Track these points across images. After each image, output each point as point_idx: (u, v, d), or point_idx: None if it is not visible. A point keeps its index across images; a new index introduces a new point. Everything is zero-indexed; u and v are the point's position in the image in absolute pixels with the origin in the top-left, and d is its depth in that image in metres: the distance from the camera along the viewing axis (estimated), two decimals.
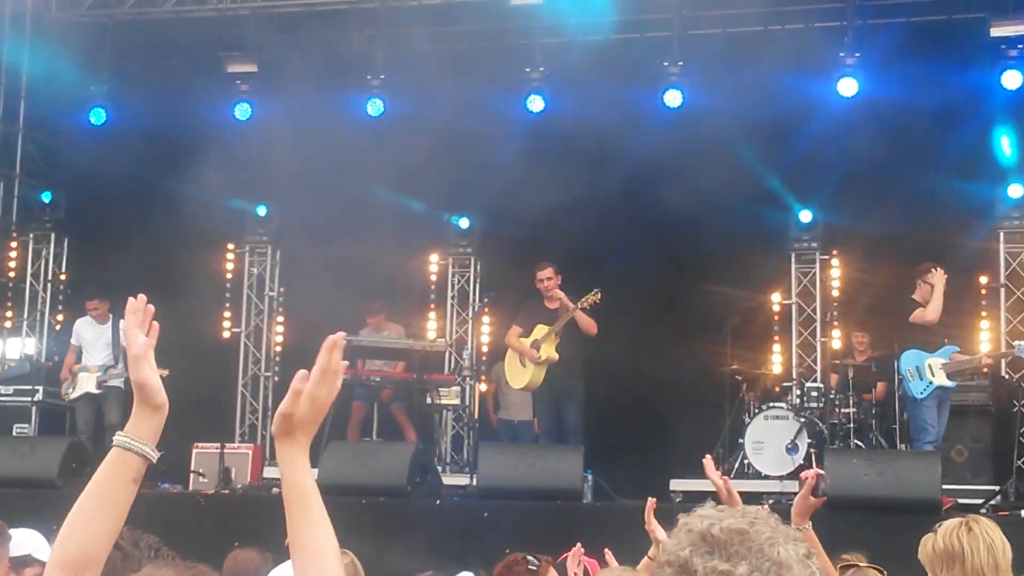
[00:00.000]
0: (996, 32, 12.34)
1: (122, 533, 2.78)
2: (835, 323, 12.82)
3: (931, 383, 11.03)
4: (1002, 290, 13.15)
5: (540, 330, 11.76)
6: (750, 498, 10.01)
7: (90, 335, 13.17)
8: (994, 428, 12.23)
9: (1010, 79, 12.29)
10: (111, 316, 13.12)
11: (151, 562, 2.69)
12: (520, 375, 11.91)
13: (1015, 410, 12.50)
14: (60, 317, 15.27)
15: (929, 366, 11.06)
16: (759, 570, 2.03)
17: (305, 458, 2.59)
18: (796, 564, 2.04)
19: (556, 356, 11.64)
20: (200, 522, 10.28)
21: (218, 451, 12.81)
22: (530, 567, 4.97)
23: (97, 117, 14.21)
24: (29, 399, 13.74)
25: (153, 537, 2.85)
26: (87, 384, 12.89)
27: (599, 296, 11.58)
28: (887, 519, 8.88)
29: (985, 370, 11.28)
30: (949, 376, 10.99)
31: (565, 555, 5.50)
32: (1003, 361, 11.92)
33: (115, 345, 12.93)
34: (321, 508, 2.51)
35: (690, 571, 2.07)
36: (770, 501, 10.06)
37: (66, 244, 15.50)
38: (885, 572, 4.29)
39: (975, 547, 4.13)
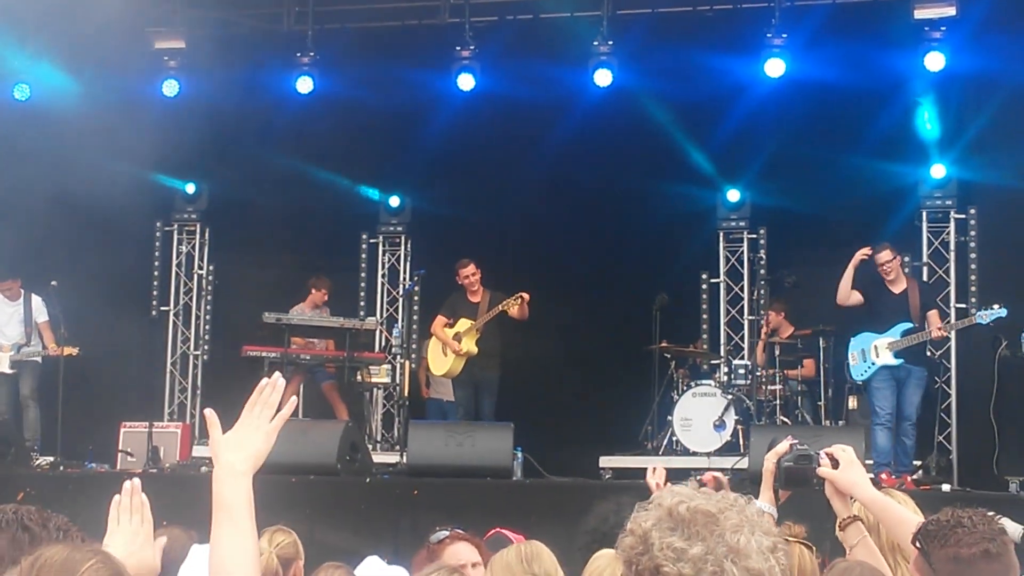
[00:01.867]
0: (920, 14, 12.50)
1: (31, 514, 2.76)
2: (762, 301, 12.97)
3: (873, 364, 11.20)
4: (924, 268, 13.37)
5: (463, 323, 12.48)
6: (679, 474, 10.14)
7: (2, 315, 13.02)
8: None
9: (933, 60, 12.46)
10: (23, 293, 13.00)
11: (54, 543, 2.66)
12: (441, 362, 12.66)
13: (936, 387, 12.76)
14: None
15: (875, 347, 11.23)
16: (713, 553, 2.05)
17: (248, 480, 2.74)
18: (755, 554, 2.07)
19: (476, 350, 12.44)
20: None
21: (146, 430, 12.72)
22: (431, 540, 4.95)
23: (22, 93, 13.97)
24: None
25: (62, 517, 2.82)
26: (1, 364, 12.77)
27: (524, 300, 12.20)
28: (815, 494, 8.99)
29: (938, 336, 11.40)
30: (897, 354, 11.14)
31: (492, 532, 5.52)
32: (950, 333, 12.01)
33: (27, 323, 12.83)
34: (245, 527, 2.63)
35: (647, 544, 2.10)
36: (698, 477, 10.16)
37: None
38: (814, 548, 4.34)
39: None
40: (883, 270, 11.33)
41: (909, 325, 11.20)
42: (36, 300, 12.98)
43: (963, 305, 13.10)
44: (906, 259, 13.34)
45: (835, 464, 3.78)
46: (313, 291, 13.63)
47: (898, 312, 11.27)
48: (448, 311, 12.70)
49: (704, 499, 2.13)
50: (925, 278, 13.25)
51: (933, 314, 11.26)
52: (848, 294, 11.48)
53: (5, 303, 13.04)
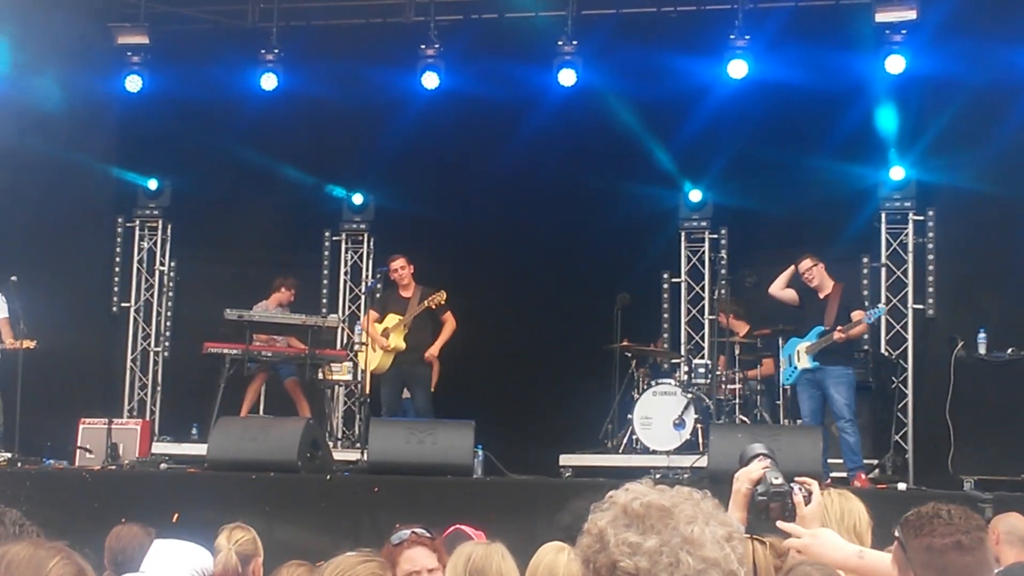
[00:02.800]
0: (880, 17, 12.61)
1: None
2: (722, 301, 13.05)
3: (796, 368, 11.34)
4: (883, 270, 13.49)
5: (391, 319, 12.50)
6: (638, 473, 10.20)
7: None
8: (873, 404, 12.59)
9: (894, 64, 12.58)
10: None
11: (13, 540, 2.65)
12: (373, 358, 12.59)
13: (893, 387, 12.89)
14: None
15: (797, 352, 11.36)
16: (667, 545, 2.08)
17: None
18: (710, 543, 2.09)
19: (403, 345, 12.42)
20: (86, 499, 10.17)
21: (106, 427, 12.66)
22: (391, 541, 4.94)
23: None
24: None
25: (16, 512, 2.80)
26: None
27: (444, 297, 12.39)
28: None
29: (839, 338, 11.53)
30: (813, 357, 11.25)
31: (452, 528, 5.54)
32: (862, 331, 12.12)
33: None
34: None
35: (603, 541, 2.13)
36: (657, 475, 10.23)
37: None
38: (767, 543, 4.37)
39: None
40: (805, 278, 11.48)
41: (822, 328, 11.33)
42: None
43: (920, 306, 13.23)
44: (865, 260, 13.51)
45: (808, 499, 3.72)
46: (281, 289, 13.58)
47: (818, 317, 11.41)
48: (379, 307, 12.78)
49: (658, 494, 2.15)
50: (883, 279, 13.38)
51: (856, 313, 11.36)
52: (780, 287, 11.70)
53: None
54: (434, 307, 12.31)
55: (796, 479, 3.81)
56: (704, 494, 2.17)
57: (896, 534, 3.36)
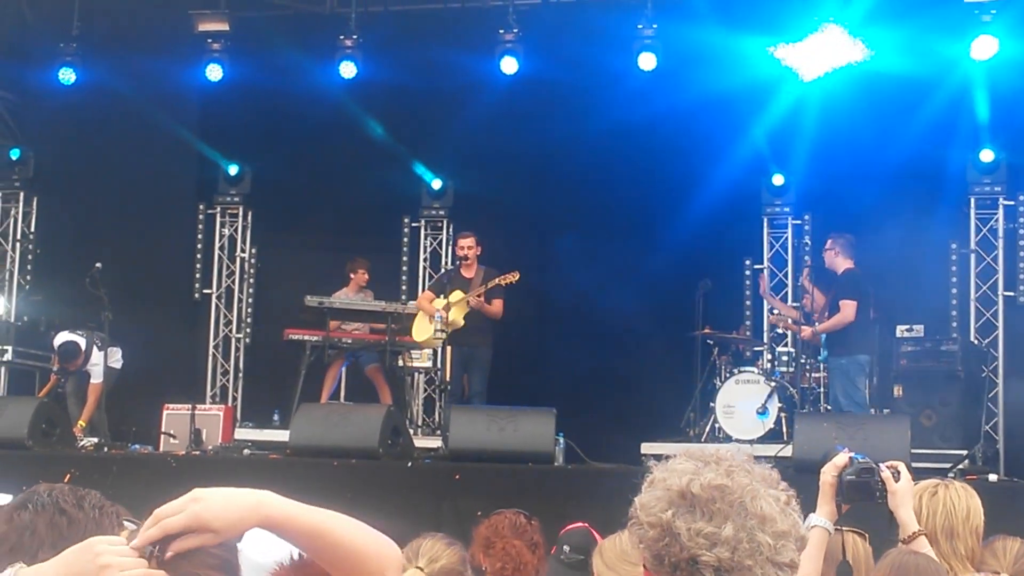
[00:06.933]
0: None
1: (65, 495, 2.69)
2: (816, 291, 12.86)
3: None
4: (972, 256, 13.25)
5: (456, 295, 12.13)
6: None
7: None
8: (963, 393, 12.33)
9: (984, 45, 12.19)
10: None
11: (94, 523, 2.59)
12: (425, 330, 12.28)
13: (983, 375, 12.63)
14: (29, 277, 15.14)
15: None
16: (744, 529, 2.03)
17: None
18: (778, 516, 2.06)
19: (462, 322, 12.06)
20: (172, 484, 10.21)
21: (189, 412, 12.77)
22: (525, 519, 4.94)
23: (66, 76, 14.03)
24: None
25: (96, 494, 2.75)
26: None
27: (516, 277, 11.95)
28: (876, 506, 8.89)
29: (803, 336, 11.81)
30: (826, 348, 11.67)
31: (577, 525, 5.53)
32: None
33: None
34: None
35: (673, 533, 2.05)
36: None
37: (35, 203, 15.34)
38: (867, 536, 4.27)
39: (933, 510, 4.14)
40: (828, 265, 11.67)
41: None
42: None
43: (1011, 293, 12.95)
44: (953, 246, 13.25)
45: (897, 477, 3.74)
46: (357, 273, 13.61)
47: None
48: (436, 288, 12.48)
49: (709, 470, 2.10)
50: (972, 266, 13.14)
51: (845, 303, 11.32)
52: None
53: None
54: (505, 285, 12.04)
55: (883, 463, 3.82)
56: (737, 448, 2.14)
57: None
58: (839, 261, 11.41)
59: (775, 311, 12.93)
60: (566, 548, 5.07)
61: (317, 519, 2.16)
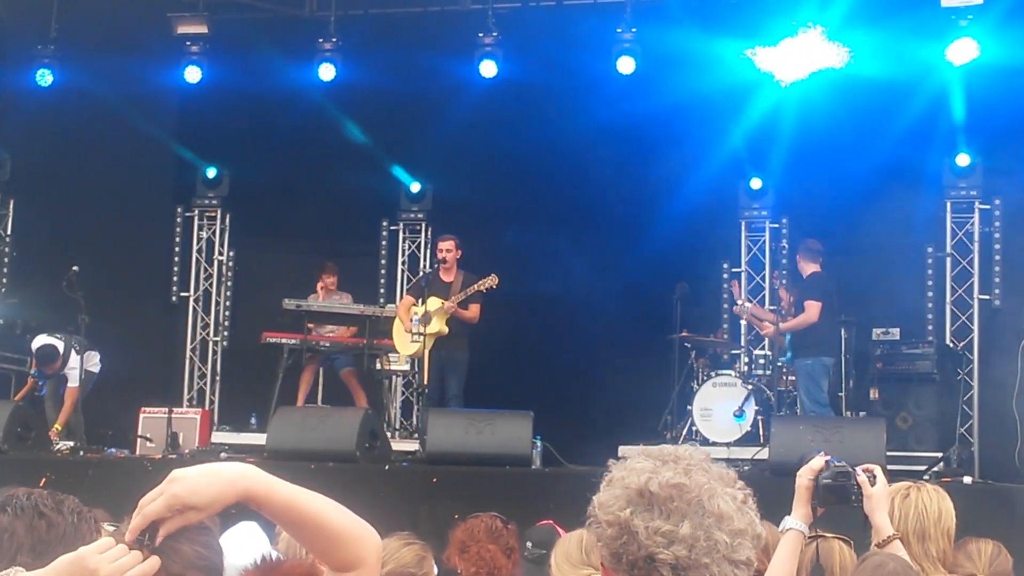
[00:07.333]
0: (947, 2, 12.32)
1: (44, 499, 2.69)
2: (783, 290, 12.92)
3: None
4: (948, 259, 13.32)
5: (433, 302, 11.93)
6: None
7: None
8: (938, 396, 12.39)
9: (962, 49, 12.22)
10: None
11: (72, 528, 2.58)
12: (407, 343, 12.06)
13: (959, 378, 12.69)
14: (5, 279, 15.06)
15: None
16: (701, 527, 2.04)
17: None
18: (735, 514, 2.07)
19: (447, 330, 11.88)
20: (148, 487, 10.17)
21: (166, 415, 12.73)
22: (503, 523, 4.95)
23: (43, 78, 13.97)
24: None
25: (74, 499, 2.75)
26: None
27: (496, 281, 11.85)
28: (851, 510, 8.92)
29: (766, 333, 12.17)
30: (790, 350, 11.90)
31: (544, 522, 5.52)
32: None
33: None
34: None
35: (632, 532, 2.06)
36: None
37: (12, 205, 15.25)
38: (852, 543, 4.29)
39: (905, 512, 4.16)
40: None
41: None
42: None
43: (986, 296, 13.02)
44: (930, 249, 13.31)
45: (872, 481, 3.76)
46: (322, 278, 13.55)
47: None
48: (415, 291, 12.27)
49: (667, 469, 2.11)
50: (948, 269, 13.21)
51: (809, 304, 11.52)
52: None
53: None
54: (484, 290, 11.99)
55: (859, 466, 3.84)
56: (694, 446, 2.16)
57: None
58: (804, 266, 11.72)
59: (740, 302, 12.97)
60: (528, 544, 5.11)
61: (297, 495, 2.20)
